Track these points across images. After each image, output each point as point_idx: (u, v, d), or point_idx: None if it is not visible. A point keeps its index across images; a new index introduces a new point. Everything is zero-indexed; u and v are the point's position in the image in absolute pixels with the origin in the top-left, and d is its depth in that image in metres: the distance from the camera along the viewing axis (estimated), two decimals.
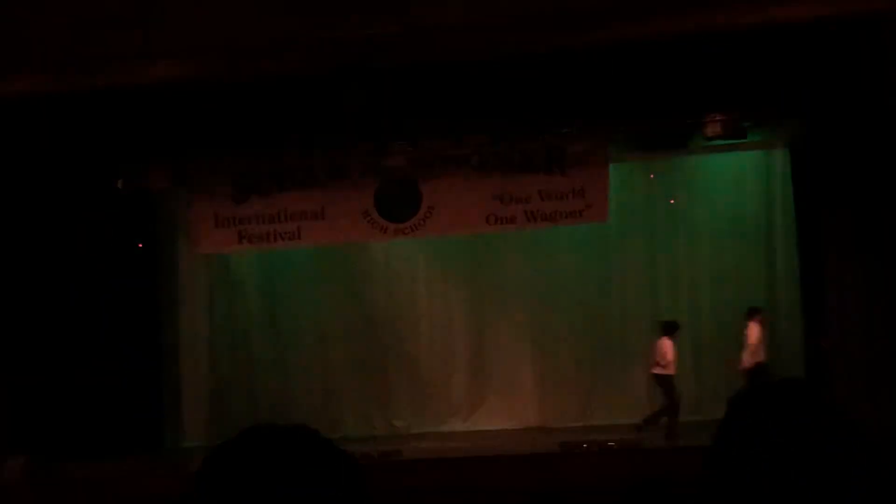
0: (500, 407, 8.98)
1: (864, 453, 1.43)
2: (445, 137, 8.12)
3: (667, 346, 8.04)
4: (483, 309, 9.20)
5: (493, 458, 7.58)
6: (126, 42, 6.94)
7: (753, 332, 8.14)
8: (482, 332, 9.20)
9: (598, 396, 8.94)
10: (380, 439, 8.61)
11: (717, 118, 8.01)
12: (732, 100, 7.87)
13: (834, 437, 1.45)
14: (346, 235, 8.59)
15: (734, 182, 8.91)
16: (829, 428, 1.44)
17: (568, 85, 7.77)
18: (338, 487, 1.40)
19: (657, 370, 8.04)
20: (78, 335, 8.25)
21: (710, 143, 8.32)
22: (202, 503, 1.47)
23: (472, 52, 7.33)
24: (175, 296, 9.09)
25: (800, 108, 7.87)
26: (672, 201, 8.89)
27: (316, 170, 8.37)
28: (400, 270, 9.24)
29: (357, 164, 8.30)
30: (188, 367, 9.06)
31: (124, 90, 7.41)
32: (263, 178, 8.47)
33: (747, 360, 8.06)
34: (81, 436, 7.70)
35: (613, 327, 8.99)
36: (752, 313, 8.19)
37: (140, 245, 8.82)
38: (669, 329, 8.12)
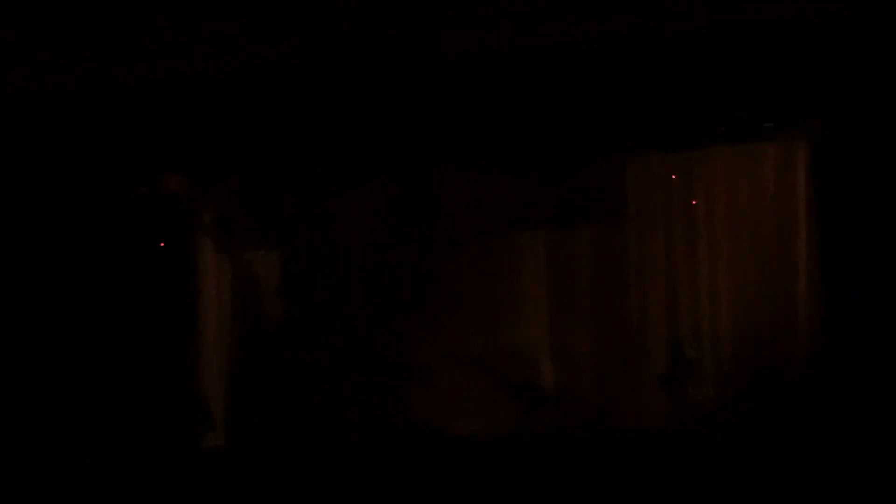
0: (514, 411, 9.00)
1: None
2: (461, 141, 8.19)
3: None
4: (496, 311, 9.12)
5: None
6: (139, 42, 7.10)
7: None
8: (496, 335, 9.17)
9: (613, 400, 8.90)
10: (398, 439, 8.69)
11: (739, 118, 8.02)
12: (754, 99, 7.86)
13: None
14: (363, 238, 8.67)
15: (755, 182, 8.87)
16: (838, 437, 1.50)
17: (585, 84, 7.80)
18: None
19: None
20: (97, 335, 8.33)
21: (730, 143, 8.35)
22: None
23: (486, 50, 7.38)
24: (195, 295, 9.03)
25: (822, 107, 7.86)
26: (694, 202, 8.89)
27: (333, 172, 8.46)
28: (412, 270, 9.22)
29: (374, 168, 8.39)
30: (208, 368, 9.00)
31: (138, 91, 7.57)
32: (282, 180, 8.57)
33: None
34: (95, 436, 7.83)
35: (632, 329, 8.98)
36: None
37: (162, 244, 8.91)
38: None
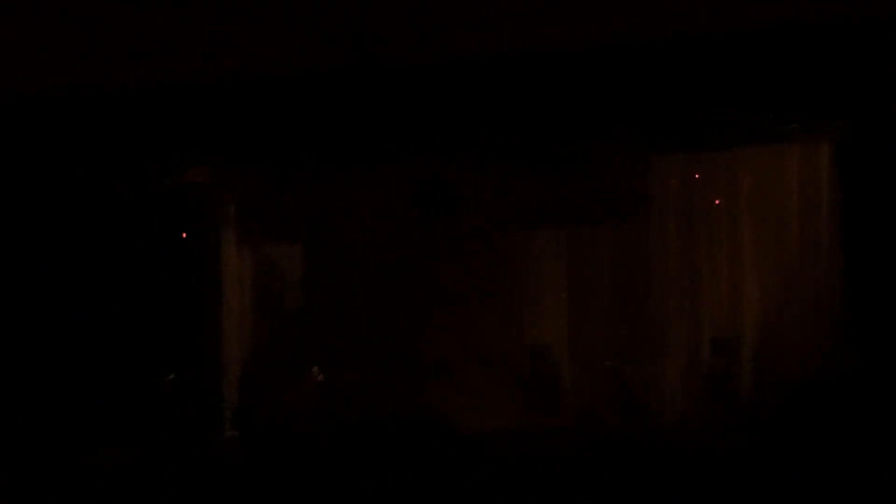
0: (530, 407, 8.99)
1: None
2: (481, 137, 8.19)
3: None
4: (517, 306, 9.14)
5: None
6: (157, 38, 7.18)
7: None
8: (516, 329, 9.13)
9: (634, 397, 8.87)
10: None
11: (763, 117, 7.98)
12: (778, 98, 7.82)
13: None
14: (383, 233, 8.71)
15: (779, 182, 8.81)
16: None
17: (607, 82, 7.77)
18: None
19: None
20: (120, 326, 8.40)
21: (754, 142, 8.31)
22: None
23: (506, 48, 7.38)
24: (218, 288, 9.09)
25: (847, 107, 7.80)
26: (717, 202, 8.86)
27: (352, 168, 8.50)
28: (429, 266, 9.20)
29: (392, 164, 8.42)
30: (229, 361, 9.03)
31: (159, 87, 7.64)
32: (301, 176, 8.63)
33: None
34: (113, 427, 7.90)
35: (653, 328, 8.95)
36: None
37: (184, 235, 8.93)
38: None
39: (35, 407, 7.76)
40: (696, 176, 8.80)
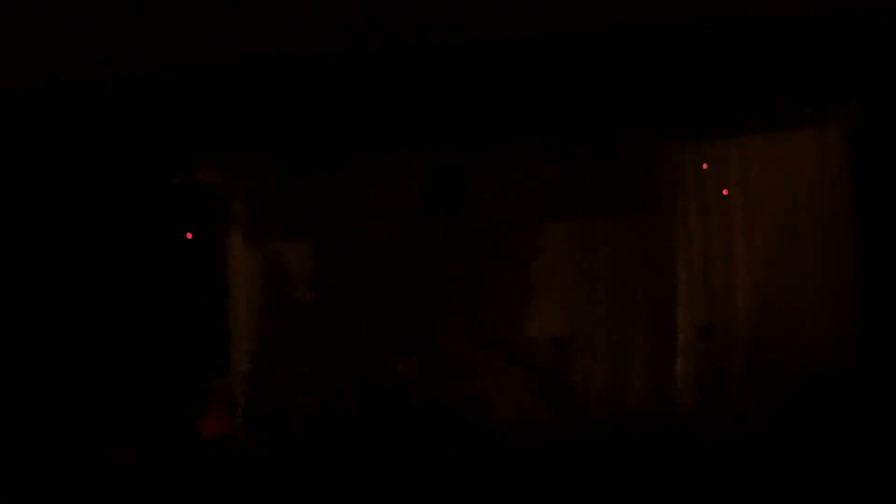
0: (541, 399, 8.99)
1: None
2: (493, 128, 8.18)
3: None
4: (529, 296, 9.12)
5: None
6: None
7: None
8: (527, 320, 9.13)
9: (643, 388, 8.89)
10: None
11: (774, 103, 7.95)
12: (789, 84, 7.78)
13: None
14: (394, 227, 8.74)
15: (791, 169, 8.77)
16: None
17: (619, 70, 7.72)
18: None
19: None
20: (127, 325, 8.48)
21: (765, 130, 8.28)
22: None
23: (518, 35, 7.33)
24: (225, 286, 9.15)
25: (859, 92, 7.76)
26: (725, 192, 8.83)
27: (363, 160, 8.53)
28: (442, 258, 9.17)
29: (404, 156, 8.44)
30: (237, 359, 9.09)
31: (173, 79, 7.65)
32: (313, 169, 8.66)
33: None
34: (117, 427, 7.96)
35: (663, 318, 8.93)
36: None
37: (189, 236, 8.97)
38: None
39: (36, 406, 7.82)
40: (705, 166, 8.78)
